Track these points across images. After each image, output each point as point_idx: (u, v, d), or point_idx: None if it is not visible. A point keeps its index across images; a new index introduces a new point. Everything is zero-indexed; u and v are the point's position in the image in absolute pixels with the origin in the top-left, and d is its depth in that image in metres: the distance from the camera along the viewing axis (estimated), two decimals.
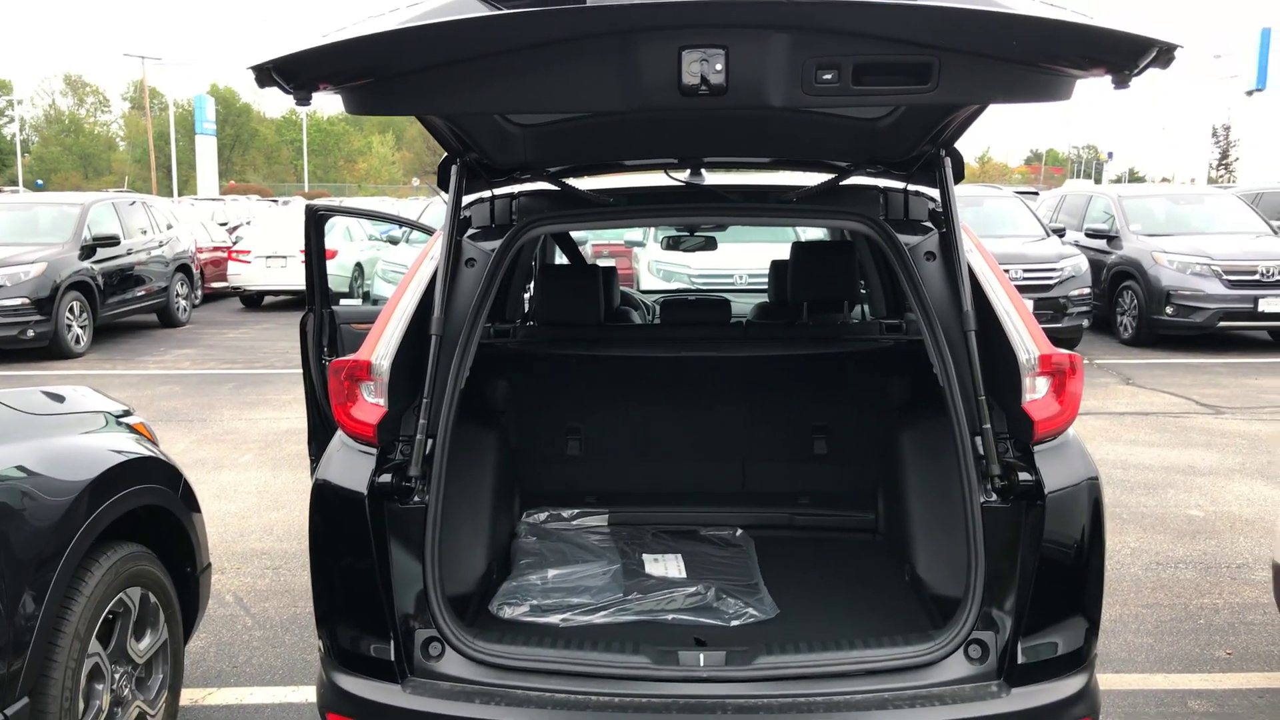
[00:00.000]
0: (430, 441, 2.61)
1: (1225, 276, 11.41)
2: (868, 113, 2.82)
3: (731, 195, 3.12)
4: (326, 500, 2.61)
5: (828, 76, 2.04)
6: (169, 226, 14.79)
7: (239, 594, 4.75)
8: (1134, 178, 75.67)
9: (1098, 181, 64.06)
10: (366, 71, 2.17)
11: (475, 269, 2.82)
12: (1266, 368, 10.70)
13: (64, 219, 12.61)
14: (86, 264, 12.20)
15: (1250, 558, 5.16)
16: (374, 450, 2.60)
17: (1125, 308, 12.21)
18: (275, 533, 5.63)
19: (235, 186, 59.52)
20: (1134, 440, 7.61)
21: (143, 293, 13.55)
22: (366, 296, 14.20)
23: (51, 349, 11.50)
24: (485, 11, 2.02)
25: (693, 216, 3.52)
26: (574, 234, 5.36)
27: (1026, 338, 2.60)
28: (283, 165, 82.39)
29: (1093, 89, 2.22)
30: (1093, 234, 12.96)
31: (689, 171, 3.34)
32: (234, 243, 18.09)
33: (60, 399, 3.19)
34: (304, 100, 2.11)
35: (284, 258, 16.09)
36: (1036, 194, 19.04)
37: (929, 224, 2.94)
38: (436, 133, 2.79)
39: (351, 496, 2.54)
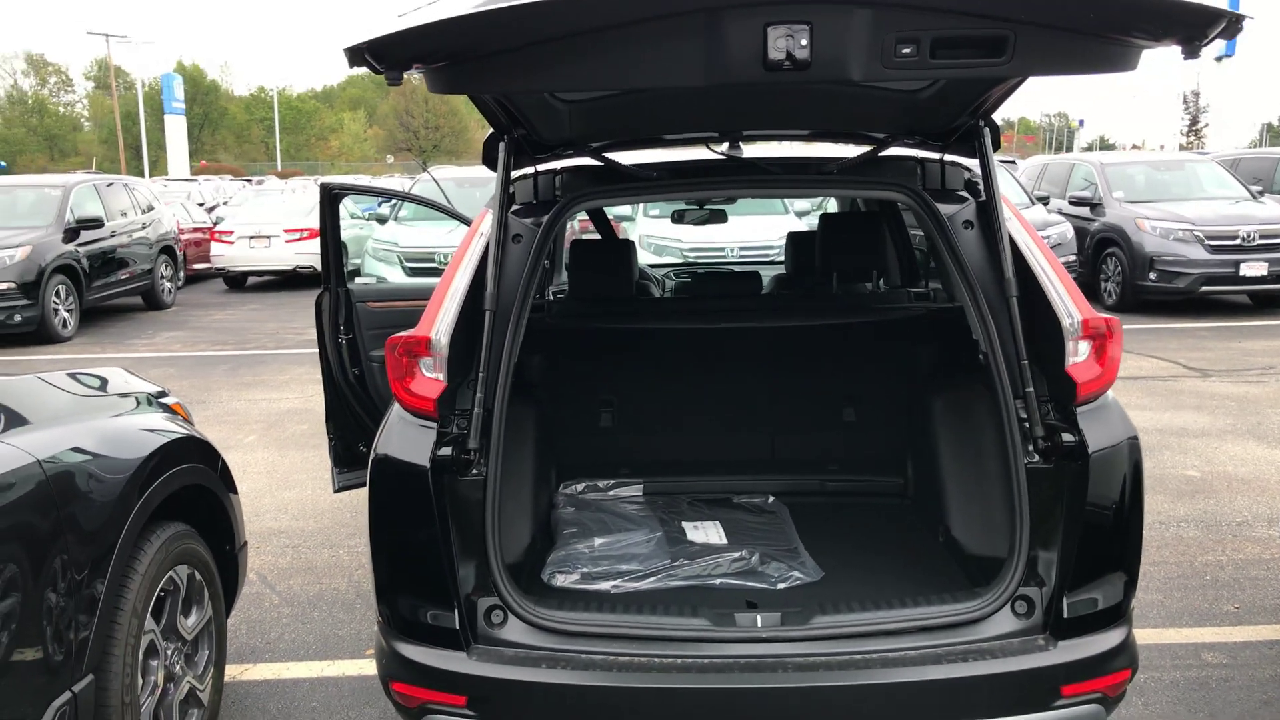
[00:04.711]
0: (486, 414, 2.65)
1: (1207, 242, 11.58)
2: (910, 85, 2.86)
3: (773, 168, 3.16)
4: (387, 474, 2.64)
5: (907, 50, 2.08)
6: (150, 208, 14.60)
7: (262, 572, 4.78)
8: (1104, 145, 76.12)
9: (1069, 150, 64.33)
10: (458, 52, 2.18)
11: (522, 244, 2.86)
12: (1249, 330, 10.90)
13: (46, 201, 12.45)
14: (71, 247, 12.06)
15: (1249, 515, 5.30)
16: (433, 424, 2.64)
17: (1109, 274, 12.37)
18: (290, 511, 5.65)
19: (207, 166, 58.66)
20: (1126, 404, 7.59)
21: (127, 275, 13.42)
22: (354, 275, 14.12)
23: (39, 333, 11.40)
24: None
25: (734, 189, 3.55)
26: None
27: (1069, 302, 2.67)
28: (253, 144, 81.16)
29: None
30: (1076, 201, 13.11)
31: (728, 144, 3.37)
32: (215, 223, 17.89)
33: (103, 381, 3.20)
34: (395, 80, 2.12)
35: (267, 238, 15.94)
36: (1014, 163, 19.18)
37: (965, 193, 3.00)
38: (485, 109, 2.81)
39: (414, 470, 2.57)
